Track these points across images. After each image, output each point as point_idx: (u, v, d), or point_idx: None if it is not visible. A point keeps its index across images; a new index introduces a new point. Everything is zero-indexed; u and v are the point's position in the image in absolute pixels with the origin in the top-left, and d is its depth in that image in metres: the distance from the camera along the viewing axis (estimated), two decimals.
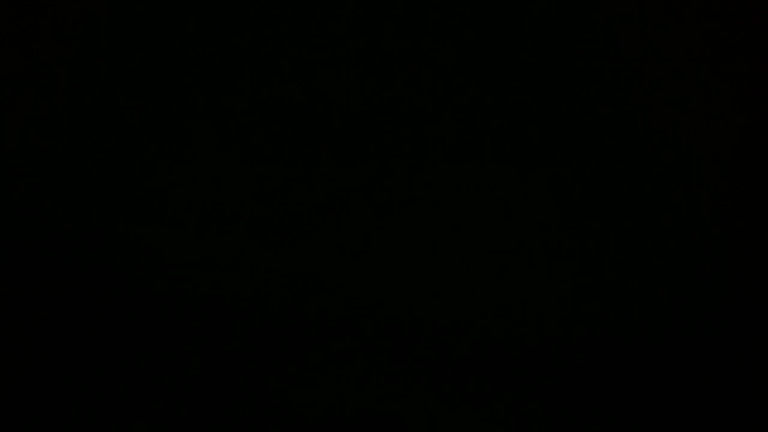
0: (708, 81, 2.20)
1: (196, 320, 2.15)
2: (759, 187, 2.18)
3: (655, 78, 2.20)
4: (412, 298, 2.17)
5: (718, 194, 2.18)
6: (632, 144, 2.19)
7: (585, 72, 2.19)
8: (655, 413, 2.13)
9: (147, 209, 2.18)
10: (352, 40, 2.21)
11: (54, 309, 2.15)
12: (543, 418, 2.13)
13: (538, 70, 2.20)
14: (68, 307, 2.15)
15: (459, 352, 2.16)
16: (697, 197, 2.18)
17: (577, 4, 2.19)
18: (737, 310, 2.16)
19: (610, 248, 2.17)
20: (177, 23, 2.20)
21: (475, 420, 2.13)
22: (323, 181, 2.19)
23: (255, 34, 2.20)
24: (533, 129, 2.20)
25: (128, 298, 2.15)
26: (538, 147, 2.20)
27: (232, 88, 2.20)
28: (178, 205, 2.19)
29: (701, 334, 2.15)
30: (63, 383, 2.12)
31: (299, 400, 2.14)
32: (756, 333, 2.15)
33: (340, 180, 2.19)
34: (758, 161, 2.18)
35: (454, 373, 2.15)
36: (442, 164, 2.19)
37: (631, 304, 2.16)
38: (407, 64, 2.20)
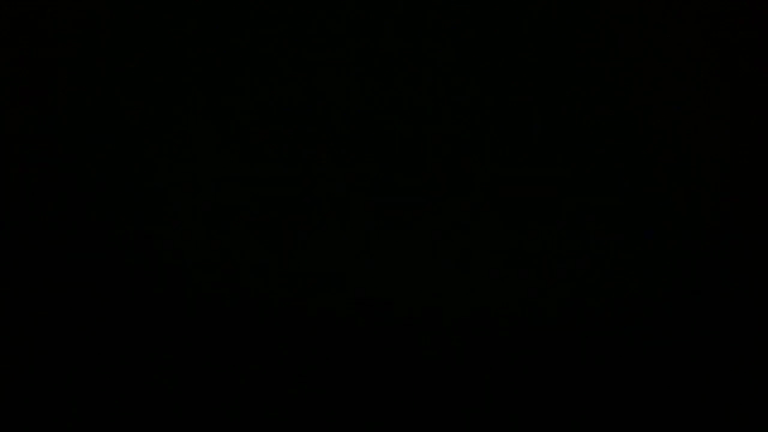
0: (708, 81, 2.20)
1: (196, 320, 2.15)
2: (759, 187, 2.18)
3: (655, 78, 2.20)
4: (411, 297, 2.17)
5: (718, 194, 2.18)
6: (632, 144, 2.19)
7: (585, 72, 2.19)
8: (654, 413, 2.13)
9: (147, 209, 2.18)
10: (352, 40, 2.21)
11: (54, 309, 2.14)
12: (543, 418, 2.12)
13: (539, 70, 2.20)
14: (68, 307, 2.15)
15: (459, 351, 2.16)
16: (697, 197, 2.18)
17: (577, 4, 2.19)
18: (737, 310, 2.16)
19: (611, 248, 2.17)
20: (177, 23, 2.20)
21: (475, 419, 2.13)
22: (323, 181, 2.19)
23: (255, 34, 2.20)
24: (533, 129, 2.20)
25: (128, 298, 2.15)
26: (539, 147, 2.20)
27: (231, 88, 2.20)
28: (179, 206, 2.19)
29: (701, 334, 2.15)
30: (63, 383, 2.11)
31: (300, 400, 2.14)
32: (756, 333, 2.15)
33: (340, 179, 2.19)
34: (758, 161, 2.18)
35: (455, 372, 2.15)
36: (443, 164, 2.19)
37: (631, 304, 2.16)
38: (407, 64, 2.20)
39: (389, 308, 2.17)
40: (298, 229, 2.18)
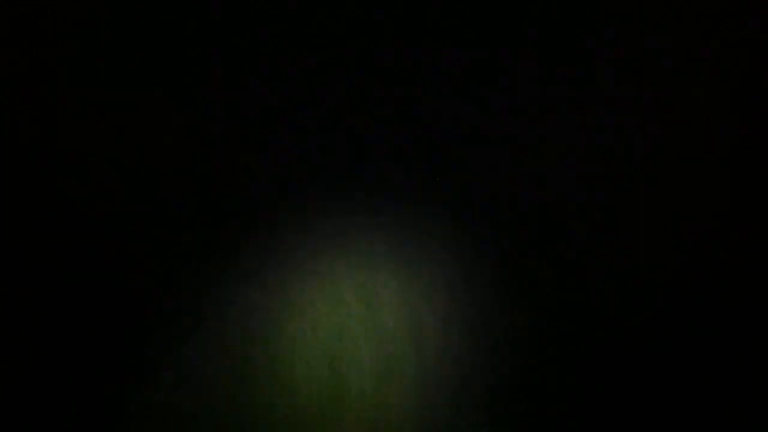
0: (708, 81, 2.20)
1: (194, 320, 2.16)
2: (759, 187, 2.19)
3: (656, 78, 2.20)
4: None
5: (718, 194, 2.19)
6: (632, 144, 2.20)
7: (585, 72, 2.20)
8: (655, 412, 2.13)
9: (148, 209, 2.19)
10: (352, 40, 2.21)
11: (54, 309, 2.14)
12: (543, 418, 2.13)
13: (539, 69, 2.21)
14: (68, 307, 2.15)
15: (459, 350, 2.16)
16: (698, 197, 2.19)
17: (577, 4, 2.20)
18: (737, 310, 2.16)
19: (610, 247, 2.18)
20: (177, 23, 2.21)
21: (477, 419, 2.13)
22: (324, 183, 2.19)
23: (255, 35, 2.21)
24: (534, 128, 2.21)
25: (128, 299, 2.15)
26: (539, 146, 2.21)
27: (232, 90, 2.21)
28: (179, 206, 2.19)
29: (702, 334, 2.15)
30: (63, 383, 2.11)
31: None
32: (756, 333, 2.15)
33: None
34: (758, 161, 2.19)
35: (455, 370, 2.15)
36: (445, 163, 2.20)
37: (631, 304, 2.16)
38: (407, 63, 2.21)
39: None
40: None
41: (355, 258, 2.20)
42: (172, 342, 2.11)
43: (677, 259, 2.18)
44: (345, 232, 2.20)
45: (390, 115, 2.22)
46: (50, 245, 2.14)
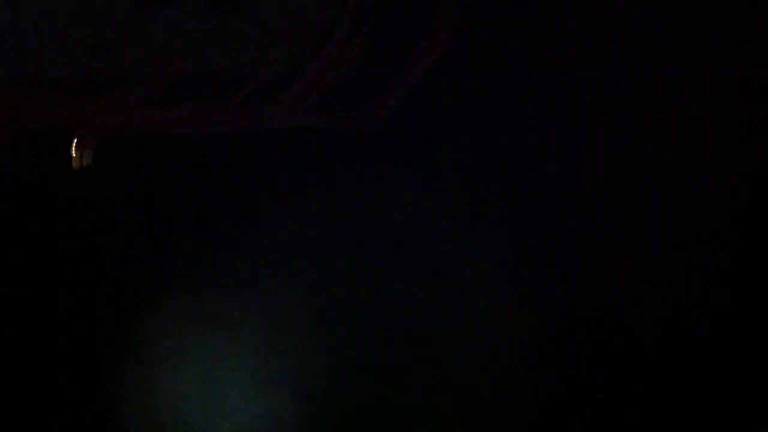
0: (708, 81, 2.21)
1: (194, 320, 2.15)
2: (759, 187, 2.19)
3: (656, 77, 2.21)
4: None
5: (718, 194, 2.19)
6: (632, 144, 2.20)
7: (585, 71, 2.21)
8: (655, 413, 2.13)
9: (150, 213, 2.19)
10: None
11: (54, 308, 2.14)
12: (542, 418, 2.13)
13: (539, 69, 2.21)
14: (68, 307, 2.14)
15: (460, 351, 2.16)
16: (697, 197, 2.19)
17: (577, 5, 2.20)
18: (738, 310, 2.16)
19: (610, 247, 2.18)
20: None
21: (476, 419, 2.13)
22: None
23: None
24: (535, 128, 2.21)
25: (128, 299, 2.15)
26: (539, 147, 2.21)
27: None
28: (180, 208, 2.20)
29: (701, 334, 2.16)
30: (63, 383, 2.11)
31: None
32: (757, 333, 2.16)
33: None
34: (758, 161, 2.19)
35: (454, 372, 2.15)
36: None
37: (631, 304, 2.16)
38: None
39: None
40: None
41: (354, 259, 2.20)
42: (173, 342, 2.11)
43: (677, 259, 2.18)
44: (345, 231, 2.20)
45: (390, 115, 2.22)
46: (50, 245, 2.14)
